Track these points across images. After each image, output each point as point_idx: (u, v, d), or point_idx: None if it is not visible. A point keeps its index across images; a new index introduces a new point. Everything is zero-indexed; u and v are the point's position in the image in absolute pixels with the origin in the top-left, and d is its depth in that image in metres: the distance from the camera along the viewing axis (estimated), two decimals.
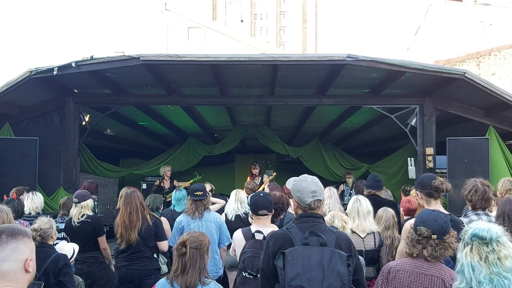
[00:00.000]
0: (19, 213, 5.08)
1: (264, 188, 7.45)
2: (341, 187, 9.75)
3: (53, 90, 7.41)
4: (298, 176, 2.81)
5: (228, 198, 5.90)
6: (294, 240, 2.46)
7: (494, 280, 1.91)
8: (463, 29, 15.08)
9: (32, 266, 1.71)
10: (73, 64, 6.32)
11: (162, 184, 9.43)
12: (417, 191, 3.60)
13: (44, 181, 7.29)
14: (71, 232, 4.91)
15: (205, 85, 7.42)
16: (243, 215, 5.34)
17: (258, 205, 3.77)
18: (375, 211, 4.57)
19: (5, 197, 5.63)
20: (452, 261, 3.09)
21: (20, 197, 5.65)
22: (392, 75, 6.70)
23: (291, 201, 4.76)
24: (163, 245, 4.80)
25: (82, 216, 4.84)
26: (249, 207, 4.59)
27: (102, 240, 4.95)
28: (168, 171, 9.50)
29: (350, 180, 9.75)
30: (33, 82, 6.62)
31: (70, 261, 3.91)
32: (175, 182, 9.44)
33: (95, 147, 10.01)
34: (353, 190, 9.01)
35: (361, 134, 10.97)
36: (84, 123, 7.83)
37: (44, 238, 3.76)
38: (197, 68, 6.50)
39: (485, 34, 14.11)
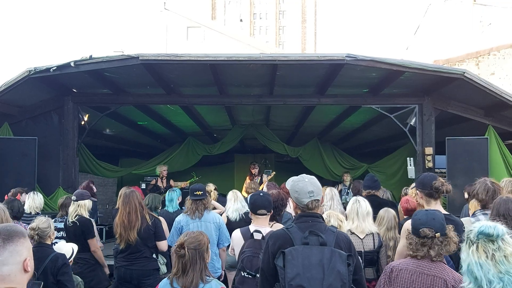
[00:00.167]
0: (18, 213, 5.07)
1: (263, 188, 7.45)
2: (339, 186, 9.75)
3: (52, 90, 7.40)
4: (297, 176, 2.81)
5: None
6: (294, 240, 2.45)
7: (504, 279, 1.90)
8: (463, 29, 15.06)
9: (31, 265, 1.72)
10: (72, 64, 6.32)
11: (158, 183, 9.41)
12: (417, 191, 3.59)
13: (43, 181, 7.29)
14: (66, 231, 4.96)
15: (204, 84, 7.41)
16: (245, 215, 5.34)
17: (257, 205, 3.77)
18: (375, 212, 4.56)
19: (6, 197, 5.63)
20: (451, 261, 3.08)
21: (17, 198, 5.65)
22: (392, 74, 6.70)
23: (290, 200, 4.75)
24: (163, 245, 4.78)
25: (75, 217, 4.86)
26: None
27: (92, 243, 4.94)
28: (164, 170, 9.49)
29: (347, 180, 9.76)
30: (32, 81, 6.61)
31: (69, 260, 3.90)
32: (171, 182, 9.43)
33: (94, 146, 10.00)
34: (350, 189, 9.02)
35: (361, 134, 10.97)
36: (83, 122, 7.82)
37: (42, 237, 3.75)
38: (196, 68, 6.50)
39: (484, 33, 14.10)
